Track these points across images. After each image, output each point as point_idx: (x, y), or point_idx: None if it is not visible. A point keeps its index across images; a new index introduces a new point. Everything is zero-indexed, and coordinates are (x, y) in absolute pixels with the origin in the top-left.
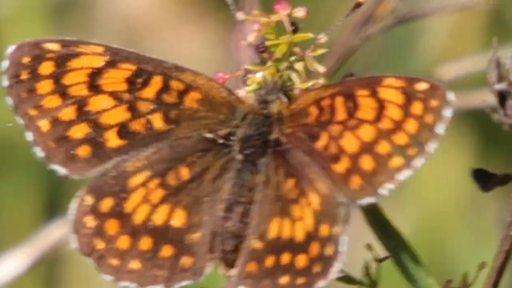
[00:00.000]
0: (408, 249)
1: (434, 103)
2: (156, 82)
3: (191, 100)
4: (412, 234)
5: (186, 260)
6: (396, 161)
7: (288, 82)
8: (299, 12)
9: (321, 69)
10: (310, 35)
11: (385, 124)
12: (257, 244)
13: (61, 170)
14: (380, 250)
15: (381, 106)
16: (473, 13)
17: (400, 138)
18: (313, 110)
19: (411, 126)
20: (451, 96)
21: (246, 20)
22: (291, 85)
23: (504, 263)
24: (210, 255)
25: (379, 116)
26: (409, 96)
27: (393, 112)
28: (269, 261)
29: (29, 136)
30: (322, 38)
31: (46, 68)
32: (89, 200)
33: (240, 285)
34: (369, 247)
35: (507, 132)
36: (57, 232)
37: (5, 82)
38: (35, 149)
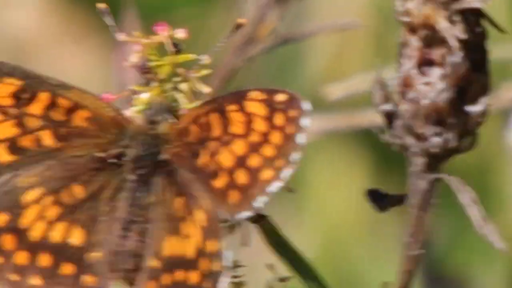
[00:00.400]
0: (309, 268)
1: (292, 113)
2: (43, 98)
3: (80, 118)
4: (316, 253)
5: (87, 279)
6: (267, 173)
7: (174, 103)
8: (179, 33)
9: (206, 89)
10: (192, 56)
11: (254, 138)
12: (154, 263)
13: None
14: (284, 270)
15: (249, 120)
16: (355, 34)
17: (268, 151)
18: (194, 128)
19: (276, 137)
20: (307, 105)
21: (128, 41)
22: (177, 105)
23: (408, 283)
24: (112, 274)
25: (248, 130)
26: (272, 108)
27: (260, 125)
28: (166, 279)
29: None
30: (206, 59)
31: None
32: None
33: None
34: (271, 267)
35: (397, 153)
36: None
37: None
38: None
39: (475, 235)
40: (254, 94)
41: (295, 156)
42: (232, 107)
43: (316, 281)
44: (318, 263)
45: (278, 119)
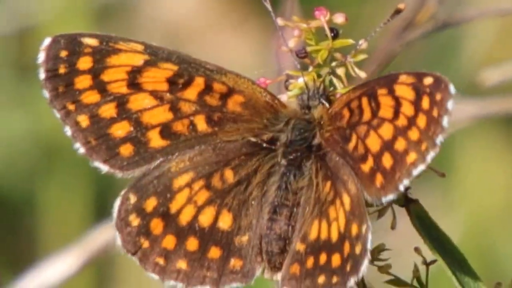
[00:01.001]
0: (456, 252)
1: (439, 96)
2: (199, 83)
3: (234, 103)
4: (461, 238)
5: (235, 262)
6: (412, 156)
7: (330, 87)
8: (339, 18)
9: (362, 74)
10: (350, 41)
11: (401, 121)
12: (300, 246)
13: (102, 167)
14: (429, 254)
15: (397, 103)
16: None
17: (414, 134)
18: (345, 113)
19: (422, 121)
20: (453, 88)
21: (287, 26)
22: (333, 90)
23: None
24: (259, 257)
25: (396, 114)
26: (418, 91)
27: (407, 109)
28: (310, 262)
29: (68, 131)
30: (363, 44)
31: (85, 63)
32: (133, 198)
33: (285, 286)
34: (417, 250)
35: None
36: (107, 233)
37: (42, 75)
38: (76, 145)
39: None
40: (403, 78)
41: (440, 139)
42: (382, 91)
43: (462, 266)
44: (463, 247)
45: (425, 102)
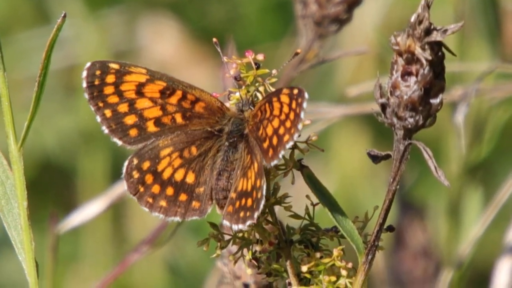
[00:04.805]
0: (332, 199)
1: (299, 100)
2: (178, 94)
3: (199, 106)
4: (335, 190)
5: (195, 204)
6: (286, 137)
7: (255, 98)
8: (259, 57)
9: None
10: (267, 70)
11: (283, 116)
12: (233, 195)
13: (118, 142)
14: (315, 199)
15: (281, 105)
16: (366, 57)
17: (288, 123)
18: (258, 113)
19: (291, 115)
20: (306, 94)
21: (229, 62)
22: (256, 100)
23: (389, 206)
24: (210, 201)
25: (280, 112)
26: (291, 97)
27: (285, 108)
28: (237, 204)
29: (98, 119)
30: (274, 72)
31: (110, 78)
32: (135, 161)
33: (224, 219)
34: (308, 197)
35: (388, 128)
36: (121, 186)
37: (84, 84)
38: (102, 128)
39: (431, 177)
40: (284, 90)
41: (300, 125)
42: (274, 99)
43: (335, 207)
44: (336, 196)
45: (293, 104)
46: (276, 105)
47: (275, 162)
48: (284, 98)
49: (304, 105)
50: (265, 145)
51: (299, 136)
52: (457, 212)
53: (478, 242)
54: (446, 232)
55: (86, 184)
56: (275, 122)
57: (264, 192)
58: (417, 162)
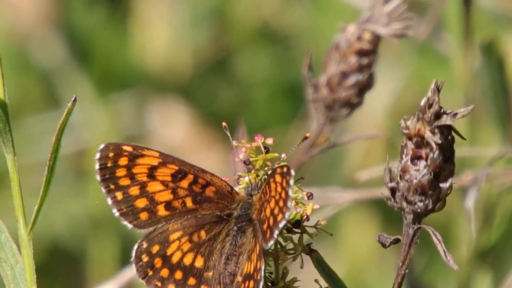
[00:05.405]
0: (341, 283)
1: (287, 177)
2: (189, 177)
3: (209, 191)
4: (344, 275)
5: (204, 287)
6: (280, 216)
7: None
8: (269, 141)
9: None
10: (276, 154)
11: (277, 196)
12: (239, 278)
13: (129, 225)
14: (324, 284)
15: (276, 185)
16: (376, 141)
17: (281, 203)
18: (262, 196)
19: (283, 194)
20: (292, 171)
21: (238, 146)
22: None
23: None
24: (218, 285)
25: (276, 192)
26: (282, 176)
27: (279, 188)
28: (242, 287)
29: (109, 201)
30: (284, 157)
31: (123, 161)
32: (145, 245)
33: None
34: (316, 281)
35: (397, 212)
36: (131, 270)
37: (96, 166)
38: (113, 210)
39: (441, 262)
40: (278, 170)
41: (290, 203)
42: (271, 179)
43: None
44: (345, 281)
45: (284, 182)
46: (273, 185)
47: (271, 243)
48: (278, 178)
49: (291, 182)
50: (265, 226)
51: (308, 220)
52: None
53: None
54: None
55: (95, 269)
56: (272, 203)
57: (263, 274)
58: (426, 246)
